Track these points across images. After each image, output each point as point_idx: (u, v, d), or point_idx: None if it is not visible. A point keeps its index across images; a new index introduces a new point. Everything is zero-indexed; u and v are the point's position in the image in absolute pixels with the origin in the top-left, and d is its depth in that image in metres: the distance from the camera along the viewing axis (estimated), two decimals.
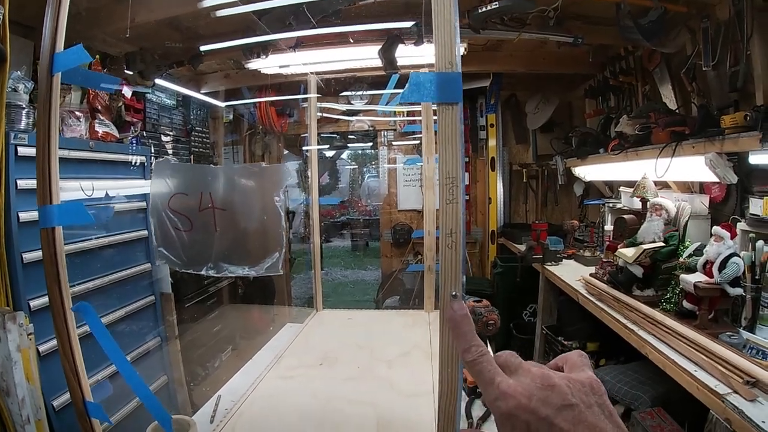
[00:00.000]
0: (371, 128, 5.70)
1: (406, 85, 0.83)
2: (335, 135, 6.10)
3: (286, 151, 6.05)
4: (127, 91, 3.41)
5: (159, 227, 1.65)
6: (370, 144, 6.24)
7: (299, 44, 3.38)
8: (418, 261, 5.17)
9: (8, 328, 2.12)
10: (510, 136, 5.57)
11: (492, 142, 5.33)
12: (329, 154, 7.65)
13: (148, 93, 3.88)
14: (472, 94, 5.24)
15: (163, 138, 4.15)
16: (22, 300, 2.28)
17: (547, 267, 3.66)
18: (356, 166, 9.85)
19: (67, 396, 2.40)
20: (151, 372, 3.15)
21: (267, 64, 3.71)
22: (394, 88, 3.02)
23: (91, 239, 2.70)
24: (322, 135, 5.78)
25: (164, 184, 1.63)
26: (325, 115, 5.14)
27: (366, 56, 3.67)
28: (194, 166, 1.84)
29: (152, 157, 3.33)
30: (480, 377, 0.50)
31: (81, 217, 1.20)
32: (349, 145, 6.71)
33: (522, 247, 4.06)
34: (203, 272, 1.78)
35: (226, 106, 5.21)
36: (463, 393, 1.71)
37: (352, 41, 3.43)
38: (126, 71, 3.44)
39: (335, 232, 9.64)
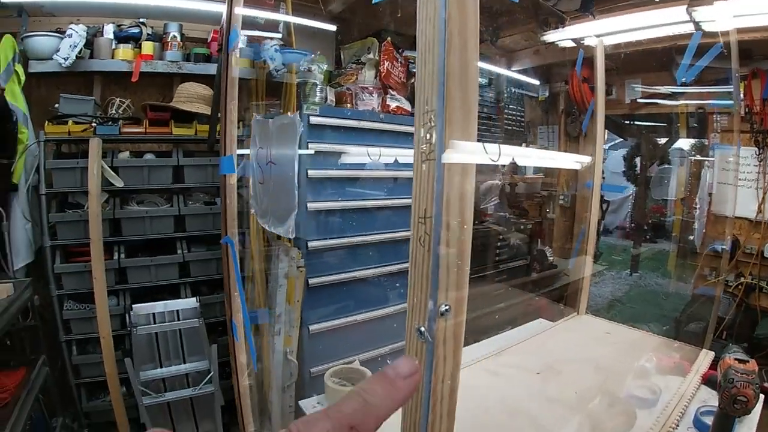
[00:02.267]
0: (701, 110, 4.72)
1: None
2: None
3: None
4: None
5: (251, 179, 1.78)
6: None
7: (588, 8, 3.04)
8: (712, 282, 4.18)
9: (281, 258, 2.63)
10: None
11: None
12: (661, 140, 6.70)
13: None
14: None
15: None
16: (302, 240, 2.77)
17: None
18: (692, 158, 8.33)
19: (321, 324, 2.89)
20: (403, 329, 3.39)
21: (564, 36, 3.47)
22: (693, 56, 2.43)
23: (374, 199, 3.09)
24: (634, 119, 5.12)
25: (254, 140, 1.73)
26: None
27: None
28: (264, 120, 1.84)
29: None
30: None
31: (230, 168, 1.54)
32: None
33: None
34: (264, 225, 1.83)
35: (541, 83, 5.07)
36: None
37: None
38: None
39: (664, 232, 8.43)
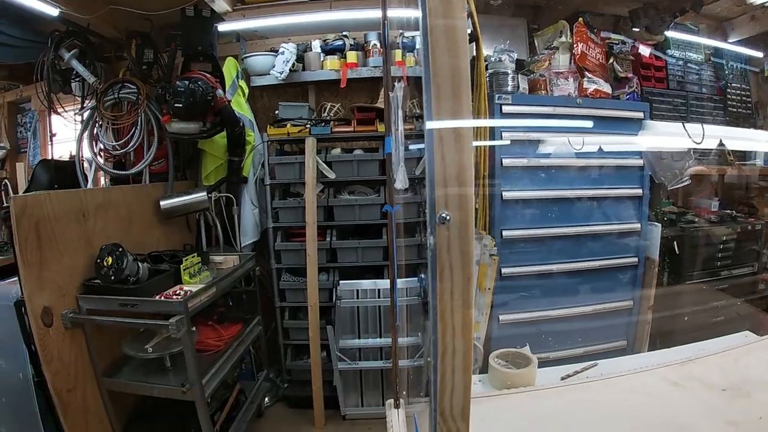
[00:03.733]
0: None
1: None
2: None
3: None
4: (644, 50, 3.38)
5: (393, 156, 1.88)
6: None
7: None
8: None
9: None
10: None
11: None
12: None
13: (666, 50, 3.65)
14: None
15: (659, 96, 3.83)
16: (496, 228, 2.82)
17: None
18: None
19: (511, 315, 2.88)
20: (610, 332, 3.15)
21: None
22: None
23: (574, 189, 2.97)
24: None
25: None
26: None
27: None
28: None
29: (650, 114, 3.18)
30: None
31: (389, 148, 1.68)
32: None
33: None
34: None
35: (765, 56, 4.29)
36: None
37: None
38: (633, 29, 3.40)
39: None
